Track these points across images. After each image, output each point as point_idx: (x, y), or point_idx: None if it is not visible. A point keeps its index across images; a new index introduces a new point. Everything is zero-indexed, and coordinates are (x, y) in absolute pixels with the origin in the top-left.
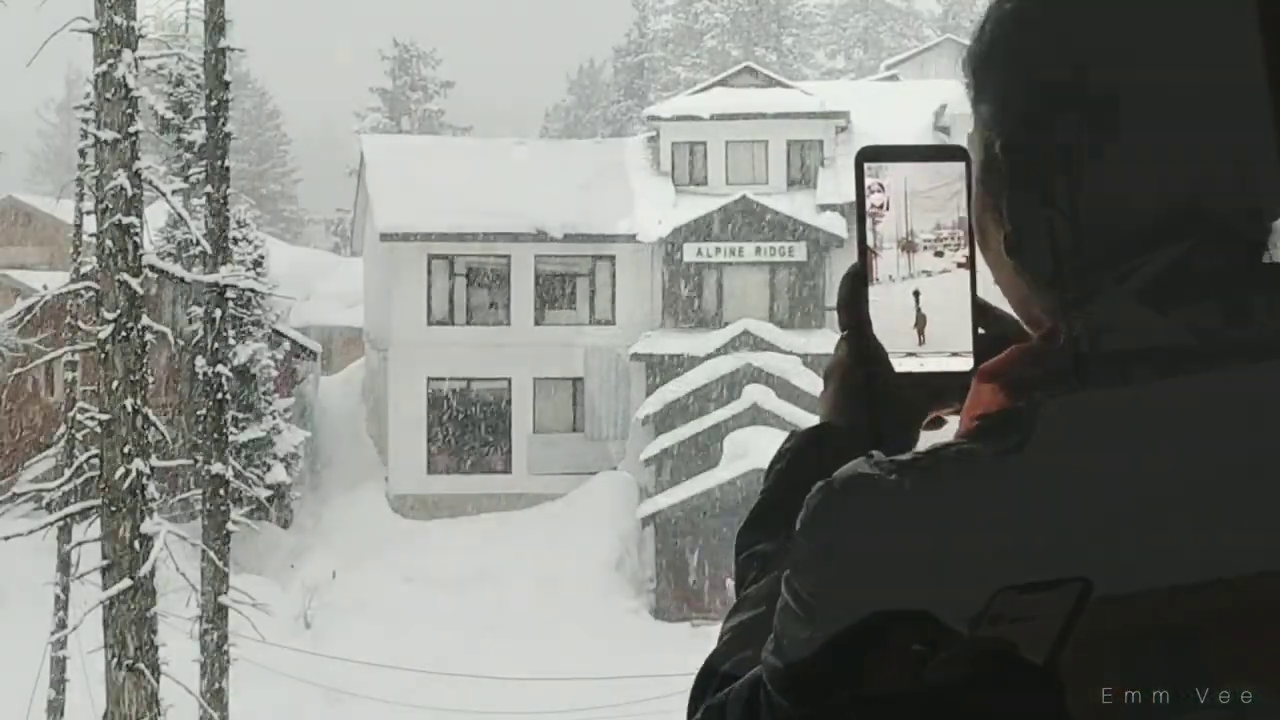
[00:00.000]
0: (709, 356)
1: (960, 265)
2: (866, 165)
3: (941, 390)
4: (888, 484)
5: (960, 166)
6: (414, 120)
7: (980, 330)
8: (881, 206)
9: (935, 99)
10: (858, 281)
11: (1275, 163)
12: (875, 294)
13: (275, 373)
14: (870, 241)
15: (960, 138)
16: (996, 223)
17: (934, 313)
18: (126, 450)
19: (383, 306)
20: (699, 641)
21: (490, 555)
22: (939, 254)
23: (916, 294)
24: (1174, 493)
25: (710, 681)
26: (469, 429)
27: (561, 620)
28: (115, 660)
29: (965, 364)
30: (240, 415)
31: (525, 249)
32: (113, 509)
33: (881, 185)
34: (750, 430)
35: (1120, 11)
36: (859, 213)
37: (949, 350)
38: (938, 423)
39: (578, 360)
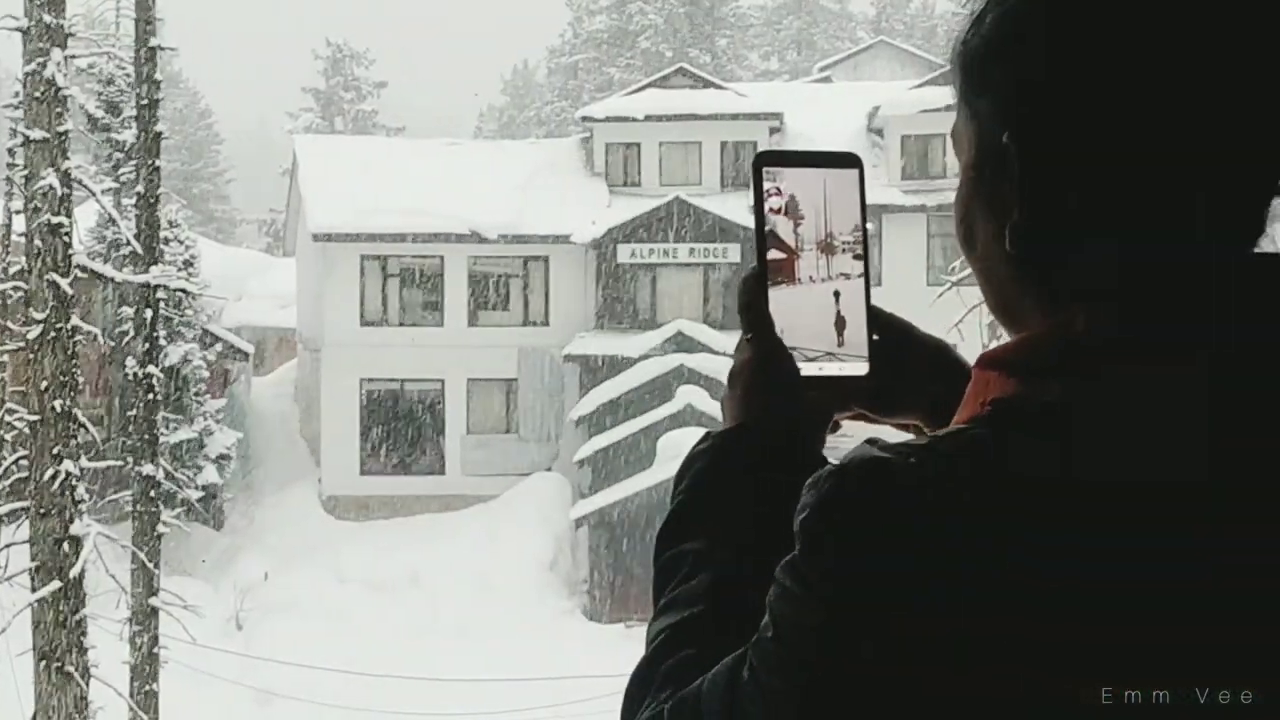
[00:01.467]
0: (643, 357)
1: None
2: (765, 170)
3: (844, 394)
4: (906, 467)
5: (854, 174)
6: (347, 120)
7: (874, 336)
8: (779, 210)
9: (868, 101)
10: (759, 283)
11: (1274, 156)
12: (795, 295)
13: (207, 374)
14: (791, 243)
15: (894, 138)
16: (993, 216)
17: (852, 315)
18: (56, 451)
19: (315, 307)
20: (632, 642)
21: (423, 556)
22: (858, 257)
23: (837, 295)
24: (1201, 483)
25: (650, 681)
26: (402, 430)
27: (495, 621)
28: (44, 663)
29: (861, 369)
30: (171, 416)
31: (459, 250)
32: (42, 510)
33: (779, 189)
34: (684, 431)
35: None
36: (757, 216)
37: (864, 354)
38: (835, 426)
39: (511, 361)
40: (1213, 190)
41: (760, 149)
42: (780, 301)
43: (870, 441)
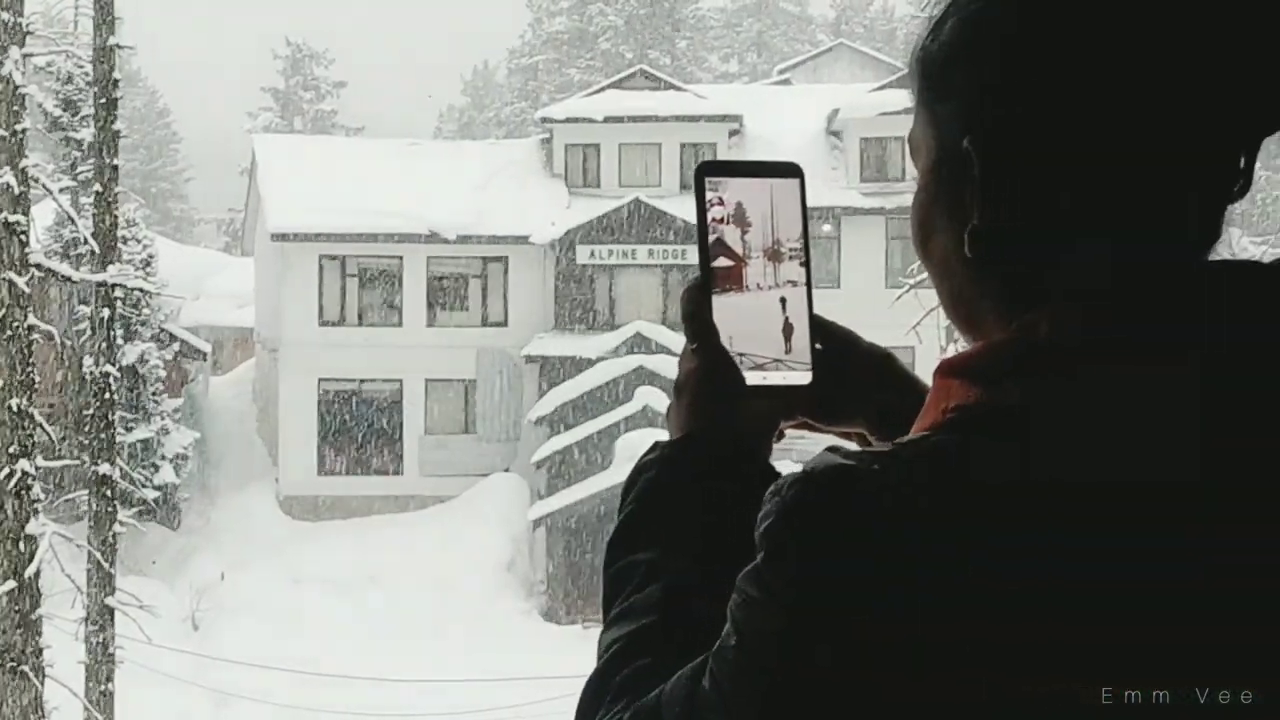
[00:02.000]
0: (601, 359)
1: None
2: (708, 180)
3: (788, 403)
4: (869, 474)
5: (796, 183)
6: (306, 120)
7: (817, 345)
8: (723, 220)
9: (828, 103)
10: (702, 293)
11: (1234, 161)
12: (743, 302)
13: (164, 373)
14: (739, 250)
15: (853, 141)
16: (952, 221)
17: (797, 323)
18: (12, 450)
19: (274, 307)
20: (590, 643)
21: (381, 557)
22: (803, 264)
23: (783, 301)
24: (1192, 482)
25: (604, 692)
26: (360, 430)
27: (452, 622)
28: None
29: (805, 378)
30: (128, 415)
31: (418, 250)
32: None
33: (723, 199)
34: (642, 432)
35: (1101, 8)
36: (700, 227)
37: (807, 363)
38: (779, 435)
39: (470, 362)
40: (1174, 192)
41: (720, 150)
42: (728, 309)
43: (833, 449)
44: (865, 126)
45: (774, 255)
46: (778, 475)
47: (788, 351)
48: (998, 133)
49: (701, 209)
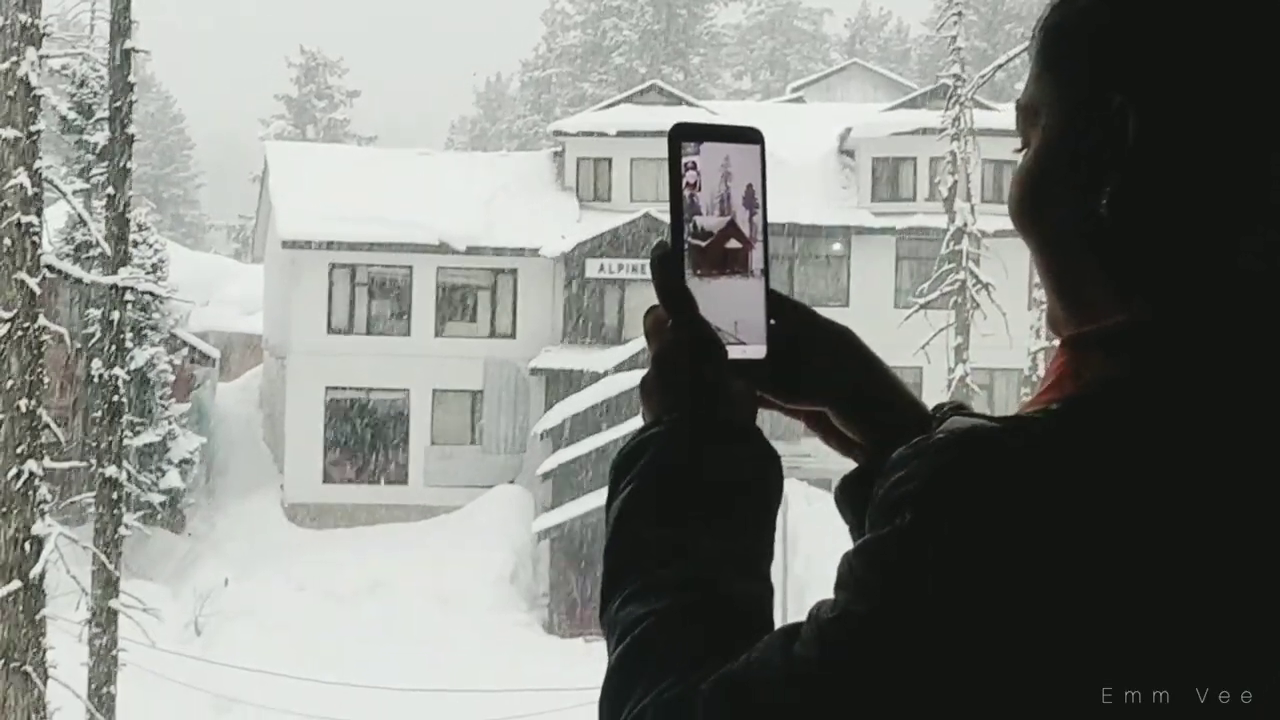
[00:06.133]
0: (608, 373)
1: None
2: (693, 145)
3: (753, 378)
4: (1021, 443)
5: (758, 149)
6: (319, 128)
7: (772, 321)
8: (694, 185)
9: (840, 122)
10: (677, 262)
11: None
12: (745, 284)
13: (172, 377)
14: (748, 232)
15: (865, 160)
16: (1079, 187)
17: (757, 299)
18: (20, 451)
19: (283, 314)
20: (591, 656)
21: (384, 566)
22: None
23: (766, 277)
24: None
25: (645, 667)
26: (366, 439)
27: (453, 633)
28: (3, 662)
29: (759, 352)
30: (136, 419)
31: (427, 260)
32: (4, 510)
33: (695, 164)
34: None
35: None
36: (674, 191)
37: (762, 338)
38: None
39: (477, 373)
40: None
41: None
42: (728, 290)
43: (965, 414)
44: (877, 146)
45: (766, 236)
46: (775, 452)
47: (744, 326)
48: (1152, 94)
49: (676, 174)
